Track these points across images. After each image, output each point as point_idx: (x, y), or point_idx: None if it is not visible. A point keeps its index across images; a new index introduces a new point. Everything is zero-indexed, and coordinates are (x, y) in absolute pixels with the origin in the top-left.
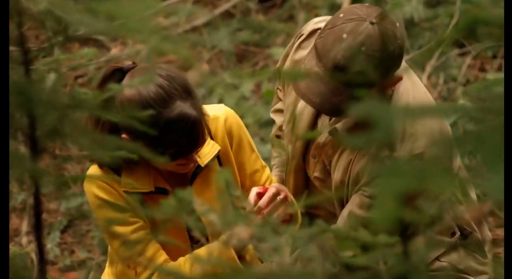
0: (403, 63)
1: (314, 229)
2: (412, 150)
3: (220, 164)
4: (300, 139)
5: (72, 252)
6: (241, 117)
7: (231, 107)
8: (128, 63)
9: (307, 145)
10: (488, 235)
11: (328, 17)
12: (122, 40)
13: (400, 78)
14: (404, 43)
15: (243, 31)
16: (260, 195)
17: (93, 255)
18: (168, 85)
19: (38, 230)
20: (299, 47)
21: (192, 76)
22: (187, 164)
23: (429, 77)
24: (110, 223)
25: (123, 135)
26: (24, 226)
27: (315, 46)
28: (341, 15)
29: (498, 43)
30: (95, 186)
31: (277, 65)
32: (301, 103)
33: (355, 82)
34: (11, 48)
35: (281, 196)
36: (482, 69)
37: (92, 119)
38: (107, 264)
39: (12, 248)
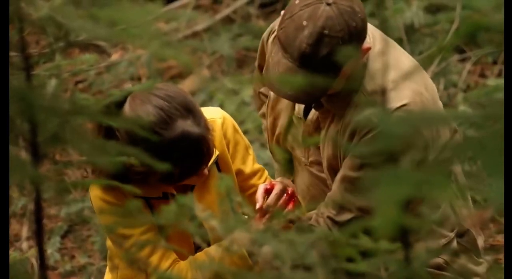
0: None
1: (315, 235)
2: (397, 100)
3: (218, 168)
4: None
5: (73, 257)
6: (242, 122)
7: (232, 113)
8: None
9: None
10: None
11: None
12: (122, 45)
13: (368, 48)
14: (365, 16)
15: (244, 37)
16: (267, 191)
17: (94, 260)
18: (168, 106)
19: (39, 235)
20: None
21: (192, 82)
22: (199, 179)
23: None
24: (117, 226)
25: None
26: (25, 231)
27: (278, 38)
28: (297, 1)
29: (498, 49)
30: (101, 190)
31: (256, 63)
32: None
33: (325, 66)
34: (12, 53)
35: (289, 191)
36: (483, 75)
37: (96, 128)
38: (107, 270)
39: (13, 254)
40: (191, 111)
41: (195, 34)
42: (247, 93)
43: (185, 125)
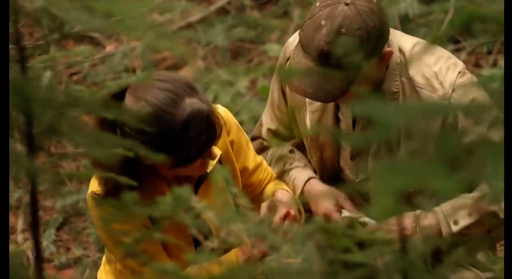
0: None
1: (311, 226)
2: (450, 77)
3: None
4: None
5: (68, 249)
6: (237, 113)
7: (227, 104)
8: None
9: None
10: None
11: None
12: (117, 37)
13: (390, 53)
14: (384, 17)
15: (238, 28)
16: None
17: (89, 252)
18: (173, 86)
19: (34, 227)
20: None
21: (187, 73)
22: (208, 162)
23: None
24: (117, 233)
25: (147, 162)
26: (20, 224)
27: (299, 40)
28: (317, 3)
29: (493, 39)
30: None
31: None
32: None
33: (343, 64)
34: None
35: (291, 213)
36: (477, 65)
37: (97, 122)
38: (103, 261)
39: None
40: (195, 90)
41: (189, 25)
42: (242, 84)
43: (194, 102)
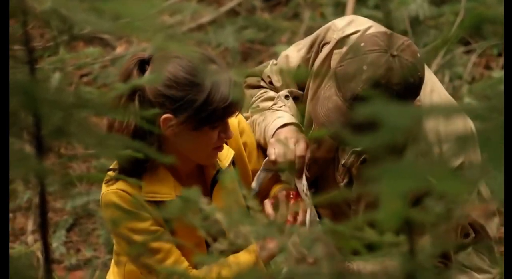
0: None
1: (320, 228)
2: (453, 161)
3: (235, 166)
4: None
5: (78, 250)
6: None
7: None
8: (147, 54)
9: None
10: (494, 235)
11: (347, 19)
12: (127, 39)
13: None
14: (424, 74)
15: (248, 29)
16: (273, 204)
17: (99, 254)
18: (200, 54)
19: (44, 229)
20: (330, 53)
21: None
22: (224, 140)
23: (434, 75)
24: (131, 232)
25: (165, 116)
26: (30, 225)
27: (335, 75)
28: (363, 44)
29: (503, 41)
30: (115, 196)
31: (302, 54)
32: None
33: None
34: (16, 47)
35: (291, 194)
36: (488, 67)
37: (123, 97)
38: (112, 263)
39: (18, 247)
40: (214, 59)
41: (200, 27)
42: None
43: (218, 69)
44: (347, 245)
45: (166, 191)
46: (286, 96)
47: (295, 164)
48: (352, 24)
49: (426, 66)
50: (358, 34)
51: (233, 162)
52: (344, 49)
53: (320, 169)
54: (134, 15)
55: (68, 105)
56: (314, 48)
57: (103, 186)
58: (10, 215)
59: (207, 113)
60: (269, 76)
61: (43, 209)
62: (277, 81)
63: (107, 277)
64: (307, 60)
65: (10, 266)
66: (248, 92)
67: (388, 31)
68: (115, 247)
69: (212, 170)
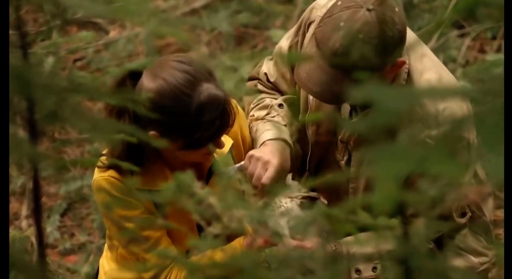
0: (417, 41)
1: (314, 212)
2: (451, 115)
3: (233, 158)
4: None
5: (72, 235)
6: (240, 100)
7: (230, 90)
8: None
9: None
10: (490, 216)
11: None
12: (120, 23)
13: (402, 62)
14: (405, 28)
15: (242, 13)
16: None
17: (93, 238)
18: (193, 69)
19: (37, 213)
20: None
21: None
22: (212, 151)
23: None
24: (121, 219)
25: (152, 133)
26: (24, 210)
27: (315, 35)
28: (339, 3)
29: (497, 24)
30: (106, 183)
31: (289, 41)
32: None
33: (354, 69)
34: (10, 32)
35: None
36: (482, 51)
37: (113, 112)
38: (105, 247)
39: (12, 232)
40: (212, 76)
41: (193, 11)
42: (246, 70)
43: (211, 88)
44: (341, 228)
45: (159, 181)
46: (280, 105)
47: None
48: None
49: (419, 39)
50: None
51: (231, 151)
52: None
53: (322, 151)
54: None
55: (61, 89)
56: (301, 30)
57: (96, 171)
58: None
59: (192, 139)
60: (265, 74)
61: (36, 194)
62: (272, 76)
63: (100, 261)
64: (296, 43)
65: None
66: (246, 99)
67: None
68: (107, 232)
69: (208, 162)
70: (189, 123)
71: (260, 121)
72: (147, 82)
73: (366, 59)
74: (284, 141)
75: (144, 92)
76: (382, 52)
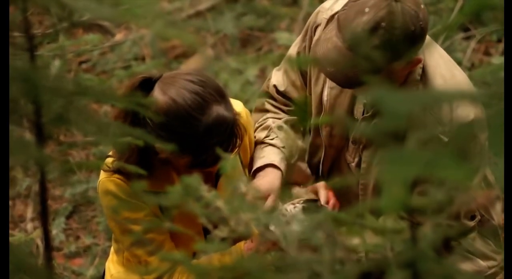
0: (431, 42)
1: (322, 216)
2: (463, 118)
3: (241, 160)
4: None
5: (77, 238)
6: (246, 102)
7: (236, 93)
8: (156, 73)
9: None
10: (498, 220)
11: (339, 2)
12: (126, 25)
13: (419, 60)
14: (427, 26)
15: (248, 16)
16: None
17: (99, 241)
18: (203, 91)
19: (44, 216)
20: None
21: (196, 62)
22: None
23: None
24: (126, 221)
25: (159, 147)
26: (29, 212)
27: (337, 17)
28: None
29: (503, 27)
30: (112, 184)
31: (297, 47)
32: (329, 94)
33: (372, 57)
34: (16, 34)
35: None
36: (487, 53)
37: (122, 114)
38: (112, 250)
39: (18, 234)
40: (223, 96)
41: (198, 14)
42: (252, 72)
43: (220, 110)
44: (349, 232)
45: (165, 184)
46: (280, 127)
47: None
48: (339, 1)
49: (434, 42)
50: None
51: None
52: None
53: (335, 153)
54: (133, 1)
55: (68, 92)
56: (308, 34)
57: (101, 173)
58: (10, 202)
59: (198, 160)
60: (274, 86)
61: (43, 197)
62: (282, 85)
63: (106, 264)
64: (303, 49)
65: (10, 254)
66: (254, 117)
67: None
68: (113, 235)
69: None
70: (196, 145)
71: (259, 145)
72: (157, 97)
73: (385, 48)
74: (273, 165)
75: (153, 104)
76: (401, 45)
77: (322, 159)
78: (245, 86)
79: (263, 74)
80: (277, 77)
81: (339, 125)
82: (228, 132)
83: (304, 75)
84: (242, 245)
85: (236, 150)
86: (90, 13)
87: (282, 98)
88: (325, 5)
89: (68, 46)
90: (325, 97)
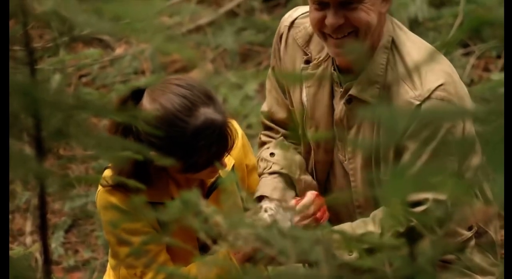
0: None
1: (320, 231)
2: (433, 82)
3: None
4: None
5: (76, 251)
6: (245, 117)
7: (235, 107)
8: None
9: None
10: (496, 236)
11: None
12: (126, 40)
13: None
14: None
15: (247, 31)
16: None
17: (97, 255)
18: (190, 94)
19: (43, 230)
20: (287, 39)
21: (196, 76)
22: (217, 168)
23: None
24: (123, 232)
25: (153, 153)
26: (28, 226)
27: None
28: None
29: (502, 43)
30: (110, 194)
31: (271, 64)
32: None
33: None
34: (16, 48)
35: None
36: (487, 69)
37: (118, 131)
38: (108, 266)
39: (16, 248)
40: (211, 98)
41: (198, 28)
42: (251, 87)
43: (208, 112)
44: (347, 247)
45: (163, 194)
46: (272, 154)
47: None
48: (298, 10)
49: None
50: (306, 14)
51: (233, 168)
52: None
53: (326, 155)
54: (134, 16)
55: (67, 106)
56: (275, 47)
57: (100, 185)
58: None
59: (190, 163)
60: (262, 112)
61: (42, 210)
62: (269, 106)
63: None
64: (276, 62)
65: (9, 267)
66: (259, 153)
67: None
68: (110, 251)
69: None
70: (185, 148)
71: (261, 176)
72: (146, 105)
73: None
74: (264, 197)
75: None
76: None
77: (313, 163)
78: (244, 101)
79: (263, 89)
80: (265, 102)
81: (324, 123)
82: (217, 134)
83: (282, 89)
84: (228, 253)
85: (232, 165)
86: (90, 27)
87: (271, 123)
88: (286, 14)
89: (68, 60)
90: (304, 98)
